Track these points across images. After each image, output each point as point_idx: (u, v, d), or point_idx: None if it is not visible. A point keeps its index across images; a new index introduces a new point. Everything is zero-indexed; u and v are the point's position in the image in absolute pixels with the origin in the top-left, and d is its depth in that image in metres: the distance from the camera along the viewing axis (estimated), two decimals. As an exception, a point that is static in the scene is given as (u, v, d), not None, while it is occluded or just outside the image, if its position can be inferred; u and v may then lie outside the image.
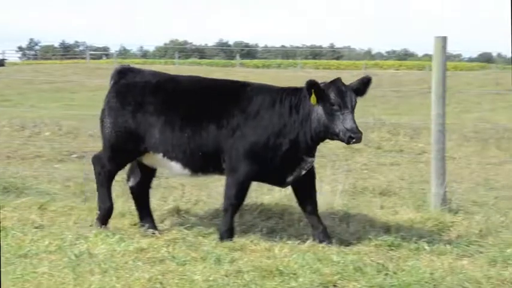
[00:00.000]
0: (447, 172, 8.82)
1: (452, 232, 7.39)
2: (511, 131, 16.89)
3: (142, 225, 7.34)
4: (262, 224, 7.52)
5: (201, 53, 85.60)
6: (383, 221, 7.70)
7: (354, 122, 6.58)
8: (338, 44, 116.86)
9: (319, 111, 6.70)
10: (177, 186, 9.70)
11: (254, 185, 9.00)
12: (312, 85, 6.66)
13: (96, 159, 7.36)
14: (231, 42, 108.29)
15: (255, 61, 75.01)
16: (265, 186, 9.34)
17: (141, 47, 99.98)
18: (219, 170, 7.07)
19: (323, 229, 6.98)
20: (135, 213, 7.56)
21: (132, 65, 7.62)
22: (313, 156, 6.96)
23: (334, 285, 5.66)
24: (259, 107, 6.88)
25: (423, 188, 9.21)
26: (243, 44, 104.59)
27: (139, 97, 7.09)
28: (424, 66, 56.09)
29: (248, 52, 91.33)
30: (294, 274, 5.83)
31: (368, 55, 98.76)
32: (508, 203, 8.77)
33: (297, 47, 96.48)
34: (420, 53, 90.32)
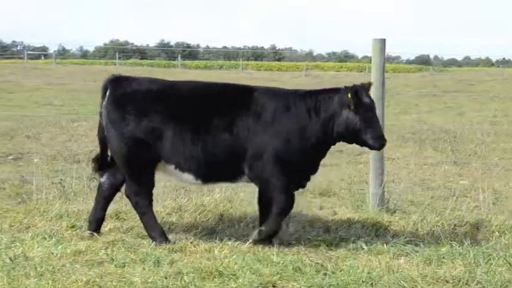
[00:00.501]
0: (385, 172, 8.94)
1: (389, 232, 7.49)
2: (447, 132, 17.24)
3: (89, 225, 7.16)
4: (202, 225, 7.49)
5: (142, 53, 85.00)
6: (322, 221, 7.76)
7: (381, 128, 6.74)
8: (280, 46, 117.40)
9: (350, 115, 6.65)
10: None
11: (193, 186, 8.97)
12: (354, 90, 6.64)
13: (128, 190, 6.99)
14: (172, 43, 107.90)
15: (197, 62, 75.00)
16: (205, 187, 9.35)
17: (81, 47, 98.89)
18: (231, 178, 6.95)
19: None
20: (72, 215, 7.46)
21: (122, 74, 7.15)
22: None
23: (274, 286, 5.67)
24: (274, 112, 6.74)
25: (362, 189, 9.32)
26: (185, 44, 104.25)
27: (142, 106, 6.77)
28: (364, 68, 56.90)
29: (190, 53, 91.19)
30: (234, 275, 5.82)
31: (309, 56, 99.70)
32: (443, 202, 8.93)
33: (239, 48, 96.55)
34: (360, 55, 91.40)
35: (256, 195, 6.99)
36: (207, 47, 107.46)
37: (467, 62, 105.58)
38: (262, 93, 6.91)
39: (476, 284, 5.67)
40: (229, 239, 7.00)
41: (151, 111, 6.72)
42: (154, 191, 7.01)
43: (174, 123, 6.70)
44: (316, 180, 11.23)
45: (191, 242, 6.87)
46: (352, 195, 9.24)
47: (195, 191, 9.20)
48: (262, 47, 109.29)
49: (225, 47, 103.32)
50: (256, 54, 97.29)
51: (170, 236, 7.03)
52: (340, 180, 11.64)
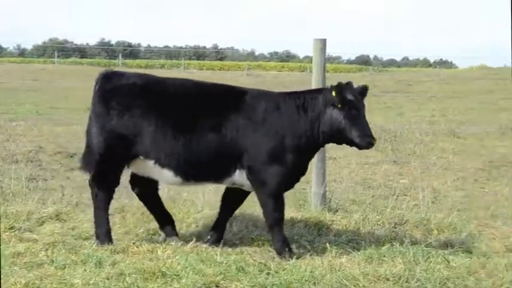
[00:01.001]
0: (327, 172, 9.02)
1: (331, 231, 7.55)
2: (387, 131, 17.45)
3: (161, 234, 7.12)
4: (145, 226, 7.44)
5: (82, 52, 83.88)
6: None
7: (369, 127, 6.57)
8: (221, 45, 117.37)
9: (334, 114, 6.56)
10: (57, 188, 9.47)
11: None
12: (340, 88, 6.55)
13: (91, 182, 6.90)
14: (113, 42, 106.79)
15: (138, 61, 74.43)
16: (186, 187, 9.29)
17: (19, 46, 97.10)
18: (216, 179, 6.83)
19: (220, 234, 6.99)
20: (11, 216, 7.32)
21: (116, 69, 7.18)
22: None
23: (217, 286, 5.67)
24: (264, 113, 6.66)
25: (304, 188, 9.37)
26: (126, 43, 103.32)
27: (125, 100, 6.72)
28: (306, 68, 57.29)
29: (131, 52, 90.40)
30: (177, 275, 5.80)
31: (251, 56, 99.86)
32: (384, 201, 9.04)
33: (181, 48, 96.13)
34: (302, 55, 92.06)
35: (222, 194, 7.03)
36: (149, 46, 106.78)
37: (406, 63, 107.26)
38: (254, 94, 6.86)
39: (416, 282, 5.76)
40: (172, 240, 6.97)
41: (134, 106, 6.68)
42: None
43: (156, 118, 6.64)
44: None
45: (134, 243, 6.82)
46: (294, 195, 9.27)
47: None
48: (204, 47, 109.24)
49: (166, 46, 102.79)
50: (198, 54, 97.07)
51: (113, 237, 6.95)
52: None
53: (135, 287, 5.52)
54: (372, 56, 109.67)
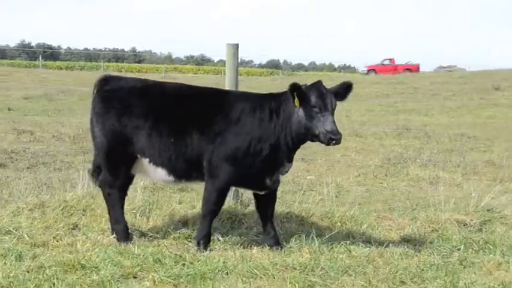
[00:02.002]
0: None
1: (243, 224, 7.58)
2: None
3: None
4: (65, 221, 7.29)
5: (1, 53, 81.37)
6: (181, 214, 7.75)
7: (334, 124, 6.35)
8: (140, 48, 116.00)
9: (299, 113, 6.45)
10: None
11: (56, 182, 8.72)
12: (295, 88, 6.40)
13: (102, 182, 6.85)
14: (33, 44, 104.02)
15: (58, 63, 72.83)
16: (68, 183, 9.11)
17: None
18: (202, 177, 6.69)
19: (274, 235, 6.83)
20: None
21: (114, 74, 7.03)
22: (291, 161, 6.76)
23: (135, 277, 5.63)
24: (240, 114, 6.57)
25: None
26: (46, 45, 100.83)
27: (124, 100, 6.69)
28: (220, 71, 57.28)
29: (51, 54, 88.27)
30: (96, 267, 5.73)
31: (168, 59, 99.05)
32: (292, 196, 9.15)
33: (100, 50, 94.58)
34: (216, 59, 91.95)
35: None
36: (69, 48, 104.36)
37: (313, 67, 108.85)
38: (235, 96, 6.85)
39: (321, 270, 5.86)
40: (92, 233, 6.88)
41: (133, 106, 6.65)
42: (20, 187, 6.76)
43: (151, 118, 6.61)
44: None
45: (54, 237, 6.69)
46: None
47: (58, 187, 8.95)
48: (123, 49, 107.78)
49: (86, 49, 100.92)
50: (117, 56, 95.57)
51: (33, 232, 6.81)
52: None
53: (54, 279, 5.42)
54: (281, 61, 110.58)
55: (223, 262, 5.96)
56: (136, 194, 8.25)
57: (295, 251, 6.54)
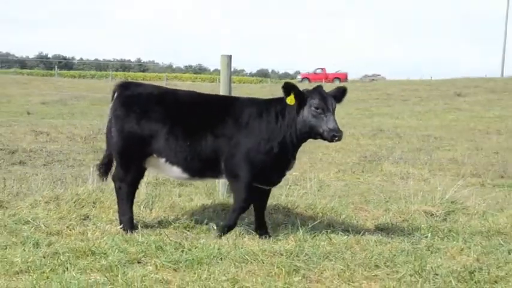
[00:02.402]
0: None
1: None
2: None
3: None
4: (77, 212, 7.25)
5: (22, 63, 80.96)
6: (181, 206, 7.72)
7: (336, 123, 6.35)
8: (144, 59, 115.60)
9: (304, 113, 6.42)
10: (-1, 180, 9.13)
11: (69, 178, 8.68)
12: (290, 87, 6.43)
13: (115, 176, 6.81)
14: (50, 55, 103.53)
15: (72, 72, 72.58)
16: (80, 178, 9.08)
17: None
18: (214, 175, 6.68)
19: (264, 225, 6.81)
20: None
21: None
22: (295, 158, 6.70)
23: (139, 262, 5.60)
24: (249, 117, 6.53)
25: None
26: (61, 56, 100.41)
27: (144, 106, 6.60)
28: (215, 79, 57.24)
29: (65, 64, 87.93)
30: (104, 253, 5.69)
31: (169, 69, 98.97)
32: (279, 190, 9.09)
33: (109, 61, 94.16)
34: (212, 68, 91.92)
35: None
36: (81, 59, 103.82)
37: (297, 75, 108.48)
38: (243, 102, 6.76)
39: (304, 256, 5.84)
40: (101, 223, 6.84)
41: (152, 111, 6.58)
42: (37, 182, 6.71)
43: (169, 122, 6.54)
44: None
45: (67, 227, 6.65)
46: (205, 185, 9.25)
47: (71, 182, 8.91)
48: (129, 60, 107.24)
49: (96, 59, 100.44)
50: (124, 66, 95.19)
51: (49, 222, 6.77)
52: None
53: (68, 264, 5.38)
54: (270, 70, 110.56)
55: (218, 249, 5.93)
56: (141, 189, 8.22)
57: (282, 238, 6.52)
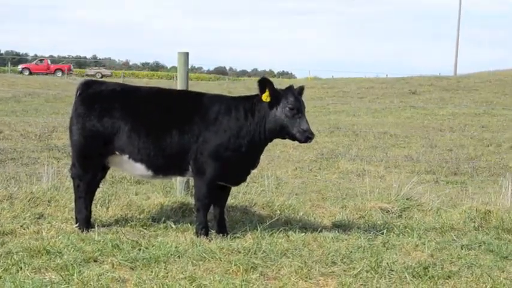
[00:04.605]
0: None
1: (194, 212, 7.51)
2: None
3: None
4: (31, 211, 7.11)
5: (-28, 60, 79.00)
6: (138, 205, 7.64)
7: (308, 124, 6.34)
8: (100, 56, 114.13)
9: (277, 113, 6.34)
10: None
11: (23, 176, 8.53)
12: (265, 83, 6.35)
13: (73, 173, 6.64)
14: (2, 51, 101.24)
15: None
16: (35, 177, 8.92)
17: None
18: (179, 172, 6.60)
19: (223, 222, 6.73)
20: None
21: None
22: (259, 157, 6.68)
23: (95, 261, 5.53)
24: (217, 114, 6.40)
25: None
26: (14, 53, 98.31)
27: (105, 103, 6.47)
28: (172, 76, 56.85)
29: (19, 60, 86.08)
30: (60, 252, 5.61)
31: (126, 66, 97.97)
32: (237, 188, 9.10)
33: (64, 57, 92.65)
34: (169, 65, 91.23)
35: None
36: (35, 55, 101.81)
37: (256, 73, 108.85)
38: (210, 98, 6.64)
39: (262, 253, 5.85)
40: (56, 222, 6.74)
41: (113, 109, 6.46)
42: None
43: (131, 119, 6.43)
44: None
45: (21, 226, 6.53)
46: (162, 183, 9.20)
47: (25, 181, 8.75)
48: (85, 57, 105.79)
49: (51, 56, 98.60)
50: (80, 63, 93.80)
51: (2, 221, 6.63)
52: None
53: (22, 263, 5.29)
54: (227, 67, 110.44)
55: (176, 247, 5.90)
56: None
57: (240, 236, 6.53)
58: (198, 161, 6.40)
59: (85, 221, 6.59)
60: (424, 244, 6.48)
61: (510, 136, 19.87)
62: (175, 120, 6.47)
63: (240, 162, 6.48)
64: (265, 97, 6.38)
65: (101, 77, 54.57)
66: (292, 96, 6.41)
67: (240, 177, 6.67)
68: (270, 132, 6.46)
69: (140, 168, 6.55)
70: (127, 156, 6.51)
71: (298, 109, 6.38)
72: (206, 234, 6.48)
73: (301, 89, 6.60)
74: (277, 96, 6.39)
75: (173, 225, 6.84)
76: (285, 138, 6.58)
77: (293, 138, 6.44)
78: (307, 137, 6.34)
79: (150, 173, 6.58)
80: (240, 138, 6.43)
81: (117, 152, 6.54)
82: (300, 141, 6.41)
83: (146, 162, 6.49)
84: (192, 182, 8.50)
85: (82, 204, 6.63)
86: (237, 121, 6.46)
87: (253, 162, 6.65)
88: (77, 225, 6.58)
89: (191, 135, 6.40)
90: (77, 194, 6.67)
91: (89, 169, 6.60)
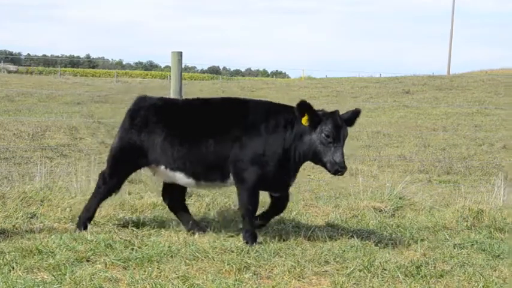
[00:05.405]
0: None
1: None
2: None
3: (189, 230, 6.68)
4: (24, 210, 7.09)
5: (-33, 58, 78.71)
6: (131, 204, 7.63)
7: (343, 156, 6.06)
8: (94, 55, 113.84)
9: (313, 137, 6.12)
10: None
11: (16, 175, 8.50)
12: (305, 108, 6.10)
13: (100, 175, 6.70)
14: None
15: (19, 68, 70.97)
16: (27, 176, 8.89)
17: None
18: (220, 179, 6.46)
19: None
20: None
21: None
22: (295, 175, 6.48)
23: (88, 260, 5.51)
24: (257, 122, 6.27)
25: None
26: (7, 52, 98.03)
27: (145, 118, 6.54)
28: (166, 76, 56.82)
29: (12, 59, 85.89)
30: (52, 252, 5.59)
31: (119, 65, 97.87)
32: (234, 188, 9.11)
33: (57, 57, 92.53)
34: (163, 65, 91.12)
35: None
36: (28, 54, 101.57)
37: (249, 73, 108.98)
38: (252, 105, 6.52)
39: (255, 253, 5.85)
40: (49, 221, 6.72)
41: (151, 122, 6.52)
42: None
43: (169, 131, 6.46)
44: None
45: (13, 225, 6.51)
46: (155, 182, 9.17)
47: (18, 180, 8.72)
48: (78, 56, 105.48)
49: (44, 55, 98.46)
50: (73, 62, 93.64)
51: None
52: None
53: (14, 263, 5.26)
54: (221, 67, 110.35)
55: (169, 246, 5.89)
56: (89, 187, 8.10)
57: (234, 236, 6.52)
58: (238, 168, 6.28)
59: (86, 221, 6.58)
60: (417, 243, 6.50)
61: (503, 135, 19.95)
62: (215, 129, 6.38)
63: (277, 169, 6.28)
64: (305, 121, 6.14)
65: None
66: (331, 124, 6.12)
67: (279, 185, 6.45)
68: (303, 152, 6.27)
69: (180, 177, 6.50)
70: (163, 166, 6.51)
71: (335, 138, 6.10)
72: (254, 240, 6.25)
73: (355, 114, 6.37)
74: (316, 120, 6.14)
75: (166, 225, 6.83)
76: (316, 164, 6.35)
77: (324, 166, 6.21)
78: (337, 170, 6.08)
79: (191, 180, 6.51)
80: (275, 146, 6.24)
81: (152, 165, 6.56)
82: (329, 172, 6.17)
83: (185, 171, 6.44)
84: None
85: (93, 205, 6.65)
86: (275, 129, 6.27)
87: (290, 172, 6.41)
88: (75, 225, 6.57)
89: (230, 141, 6.28)
90: (95, 193, 6.69)
91: (116, 176, 6.64)
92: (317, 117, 6.14)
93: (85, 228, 6.51)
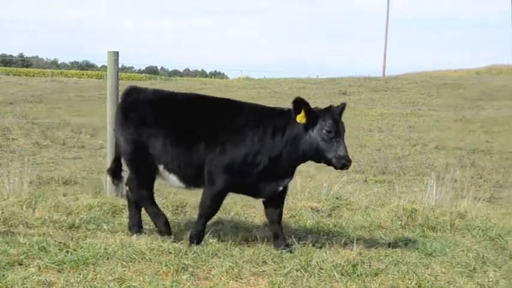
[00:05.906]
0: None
1: (124, 214, 7.41)
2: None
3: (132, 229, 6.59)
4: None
5: None
6: (66, 206, 7.48)
7: (346, 150, 5.94)
8: (27, 54, 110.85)
9: (312, 135, 5.97)
10: None
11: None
12: (300, 103, 5.96)
13: (129, 183, 6.48)
14: None
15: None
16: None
17: None
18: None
19: (282, 238, 6.37)
20: None
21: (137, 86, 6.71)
22: (291, 176, 6.27)
23: (20, 264, 5.37)
24: (242, 125, 6.09)
25: (100, 178, 9.15)
26: None
27: (141, 112, 6.34)
28: (102, 76, 55.99)
29: None
30: (-17, 257, 5.42)
31: (54, 64, 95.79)
32: (169, 188, 9.04)
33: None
34: (99, 65, 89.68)
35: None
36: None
37: (188, 73, 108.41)
38: (242, 107, 6.35)
39: (193, 254, 5.83)
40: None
41: (148, 117, 6.31)
42: None
43: (164, 127, 6.26)
44: (61, 171, 10.92)
45: None
46: (91, 184, 9.04)
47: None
48: (11, 55, 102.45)
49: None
50: (6, 61, 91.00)
51: None
52: (82, 171, 11.38)
53: None
54: (159, 67, 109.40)
55: (105, 248, 5.80)
56: (22, 188, 7.92)
57: (171, 237, 6.47)
58: (210, 170, 6.15)
59: (165, 225, 6.46)
60: (353, 242, 6.61)
61: (435, 136, 20.52)
62: (203, 130, 6.23)
63: (259, 176, 6.13)
64: (300, 118, 6.02)
65: None
66: (330, 118, 6.04)
67: (259, 192, 6.30)
68: (304, 153, 6.10)
69: (174, 180, 6.38)
70: (162, 166, 6.34)
71: (337, 132, 6.01)
72: (198, 242, 6.21)
73: (341, 107, 6.26)
74: (313, 117, 6.04)
75: (105, 227, 6.73)
76: (319, 162, 6.18)
77: (328, 163, 6.06)
78: (343, 164, 5.96)
79: (182, 184, 6.41)
80: (259, 155, 6.09)
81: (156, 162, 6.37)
82: (336, 168, 6.03)
83: (178, 174, 6.31)
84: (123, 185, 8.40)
85: (154, 211, 6.53)
86: (262, 135, 6.12)
87: (278, 179, 6.23)
88: (157, 229, 6.55)
89: (212, 145, 6.14)
90: (143, 204, 6.55)
91: (142, 177, 6.46)
92: (314, 114, 6.06)
93: (169, 232, 6.43)
